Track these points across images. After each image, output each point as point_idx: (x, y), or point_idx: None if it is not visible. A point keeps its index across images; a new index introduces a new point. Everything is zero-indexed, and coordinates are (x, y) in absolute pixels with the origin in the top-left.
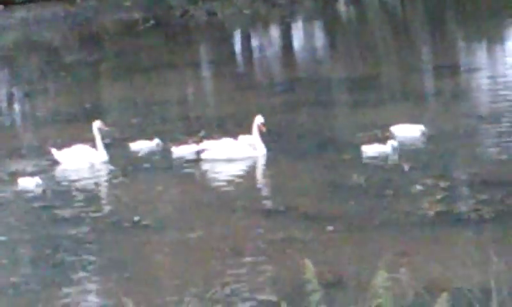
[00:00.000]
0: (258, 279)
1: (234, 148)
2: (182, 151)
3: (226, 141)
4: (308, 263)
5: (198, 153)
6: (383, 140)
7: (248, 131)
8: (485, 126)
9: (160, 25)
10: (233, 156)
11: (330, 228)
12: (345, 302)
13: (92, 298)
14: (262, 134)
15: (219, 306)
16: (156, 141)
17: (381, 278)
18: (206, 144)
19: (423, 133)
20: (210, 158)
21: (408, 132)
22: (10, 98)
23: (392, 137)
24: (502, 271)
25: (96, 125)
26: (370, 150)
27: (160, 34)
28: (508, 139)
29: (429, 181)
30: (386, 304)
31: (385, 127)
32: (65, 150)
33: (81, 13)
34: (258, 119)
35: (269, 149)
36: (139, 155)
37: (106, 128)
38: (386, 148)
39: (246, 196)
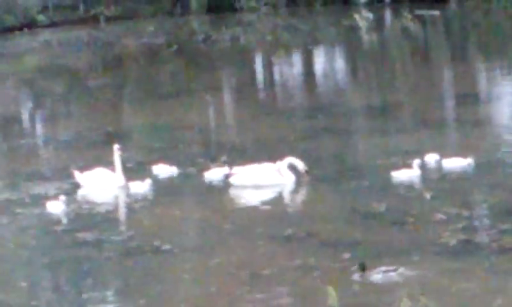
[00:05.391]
0: (277, 306)
1: (261, 174)
2: (211, 176)
3: (254, 167)
4: (331, 290)
5: (225, 178)
6: (407, 167)
7: (271, 157)
8: (507, 155)
9: (183, 51)
10: (261, 182)
11: (348, 255)
12: None
13: None
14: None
15: None
16: (176, 166)
17: None
18: (234, 169)
19: (468, 163)
20: (237, 184)
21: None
22: (33, 121)
23: (423, 164)
24: None
25: (116, 148)
26: (398, 176)
27: (183, 59)
28: None
29: (450, 210)
30: None
31: (407, 154)
32: (87, 173)
33: (105, 37)
34: (300, 165)
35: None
36: (161, 179)
37: (120, 153)
38: (414, 175)
39: (268, 222)
